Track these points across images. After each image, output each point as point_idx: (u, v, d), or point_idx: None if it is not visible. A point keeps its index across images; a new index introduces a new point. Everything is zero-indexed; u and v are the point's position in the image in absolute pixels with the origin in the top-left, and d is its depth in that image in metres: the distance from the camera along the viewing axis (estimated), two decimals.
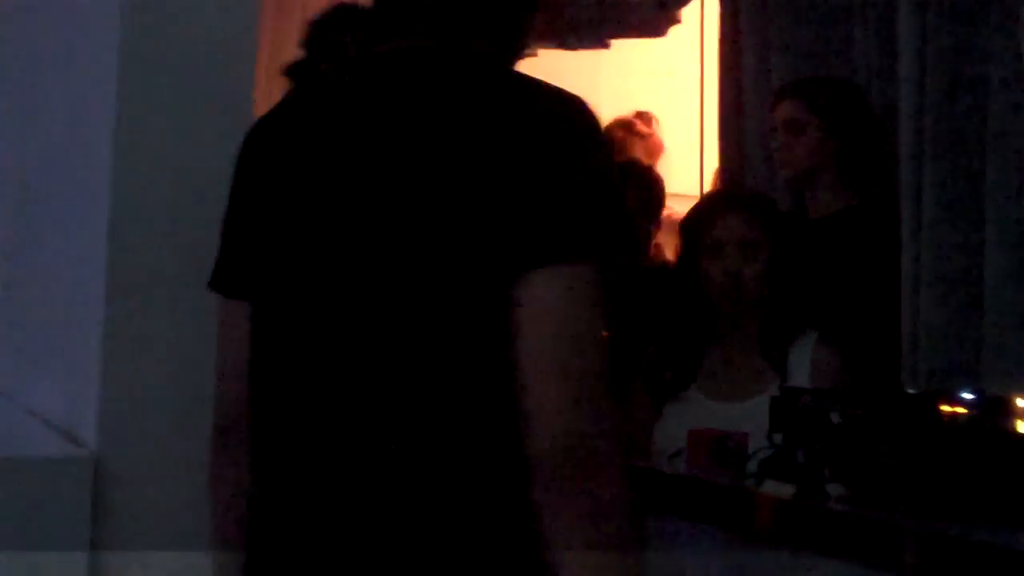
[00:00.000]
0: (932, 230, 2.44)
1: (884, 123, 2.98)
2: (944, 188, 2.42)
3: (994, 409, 1.78)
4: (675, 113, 4.90)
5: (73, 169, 2.31)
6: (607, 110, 4.52)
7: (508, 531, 1.41)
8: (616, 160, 3.44)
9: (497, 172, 1.42)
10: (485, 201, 1.41)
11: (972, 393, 1.81)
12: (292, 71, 2.50)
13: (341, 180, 1.51)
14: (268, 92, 2.43)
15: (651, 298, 3.02)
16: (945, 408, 1.76)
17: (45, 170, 2.59)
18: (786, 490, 1.85)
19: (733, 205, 2.76)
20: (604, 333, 1.43)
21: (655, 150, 4.65)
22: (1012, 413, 1.77)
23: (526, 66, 1.63)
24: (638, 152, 4.57)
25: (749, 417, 2.43)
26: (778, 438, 1.96)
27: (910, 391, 1.93)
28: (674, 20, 4.13)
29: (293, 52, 2.58)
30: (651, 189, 3.43)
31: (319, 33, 2.54)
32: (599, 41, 4.24)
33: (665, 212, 3.53)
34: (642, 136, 4.63)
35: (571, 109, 1.48)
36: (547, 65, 2.56)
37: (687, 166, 4.72)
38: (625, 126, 4.59)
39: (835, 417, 1.76)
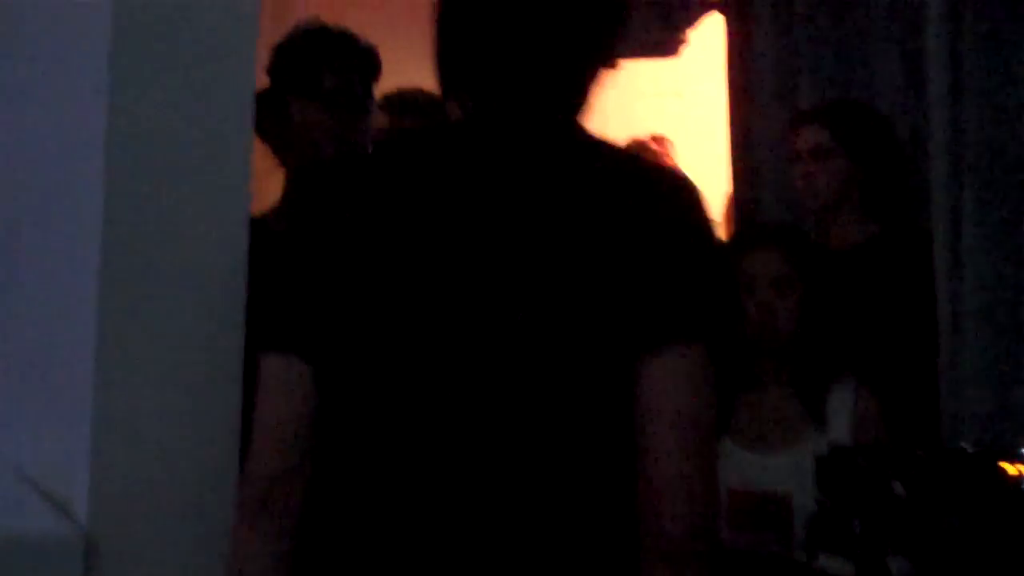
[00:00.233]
0: (973, 263, 2.29)
1: (909, 149, 2.85)
2: (987, 219, 2.28)
3: None
4: (685, 135, 4.79)
5: (63, 213, 2.17)
6: (615, 131, 4.41)
7: None
8: None
9: (619, 255, 1.42)
10: (609, 285, 1.42)
11: None
12: (261, 100, 2.35)
13: (459, 254, 1.48)
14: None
15: None
16: (1008, 468, 1.62)
17: (33, 208, 2.45)
18: (842, 566, 1.70)
19: (764, 239, 2.63)
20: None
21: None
22: None
23: None
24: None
25: (787, 470, 2.29)
26: (821, 496, 1.82)
27: (965, 447, 1.78)
28: (683, 40, 4.00)
29: None
30: None
31: (285, 60, 2.40)
32: None
33: None
34: (661, 151, 4.52)
35: (684, 190, 1.50)
36: None
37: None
38: (641, 148, 4.48)
39: (898, 487, 1.61)
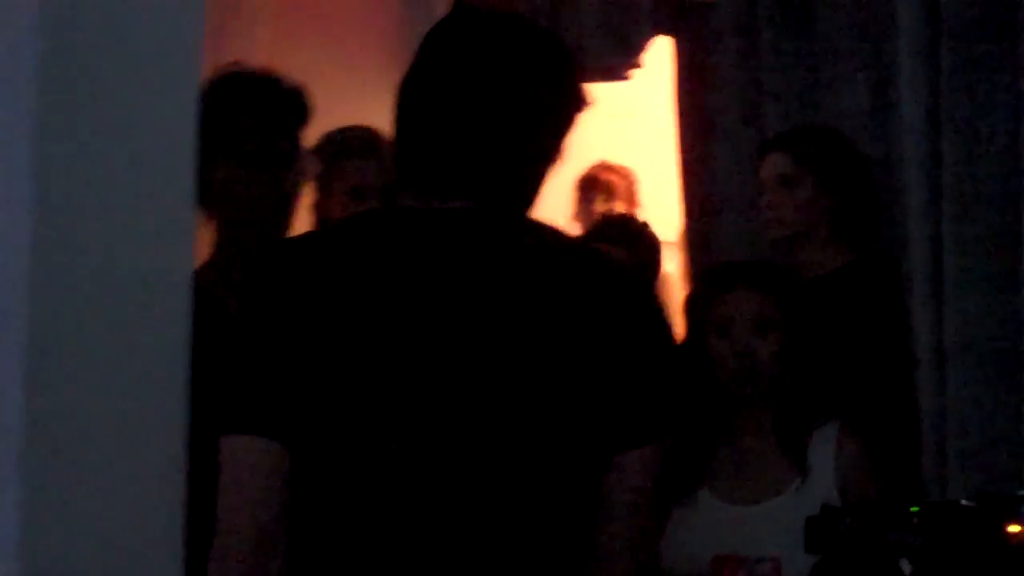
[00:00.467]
0: (956, 295, 2.19)
1: (880, 175, 2.74)
2: (968, 249, 2.18)
3: None
4: (638, 157, 4.70)
5: None
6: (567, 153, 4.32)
7: None
8: (608, 211, 3.26)
9: (582, 360, 1.55)
10: (571, 390, 1.54)
11: None
12: None
13: (425, 341, 1.53)
14: None
15: None
16: (1014, 529, 1.51)
17: None
18: None
19: (742, 278, 2.47)
20: None
21: (635, 198, 4.45)
22: None
23: None
24: (622, 196, 4.39)
25: (770, 522, 2.18)
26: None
27: (964, 503, 1.67)
28: (636, 65, 3.90)
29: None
30: (652, 248, 3.19)
31: (202, 117, 2.22)
32: None
33: None
34: (625, 180, 4.44)
35: (646, 293, 1.70)
36: None
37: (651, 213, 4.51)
38: (608, 168, 4.41)
39: (905, 566, 1.50)
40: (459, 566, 1.51)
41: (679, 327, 2.61)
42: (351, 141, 2.93)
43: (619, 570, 1.58)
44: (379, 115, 3.06)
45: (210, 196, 2.22)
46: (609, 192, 4.46)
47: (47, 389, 1.70)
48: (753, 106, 3.09)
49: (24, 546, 1.66)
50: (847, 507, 2.05)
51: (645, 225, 3.38)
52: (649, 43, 3.96)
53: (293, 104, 2.29)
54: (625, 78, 4.03)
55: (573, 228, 4.59)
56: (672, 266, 3.80)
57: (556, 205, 4.29)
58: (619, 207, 4.43)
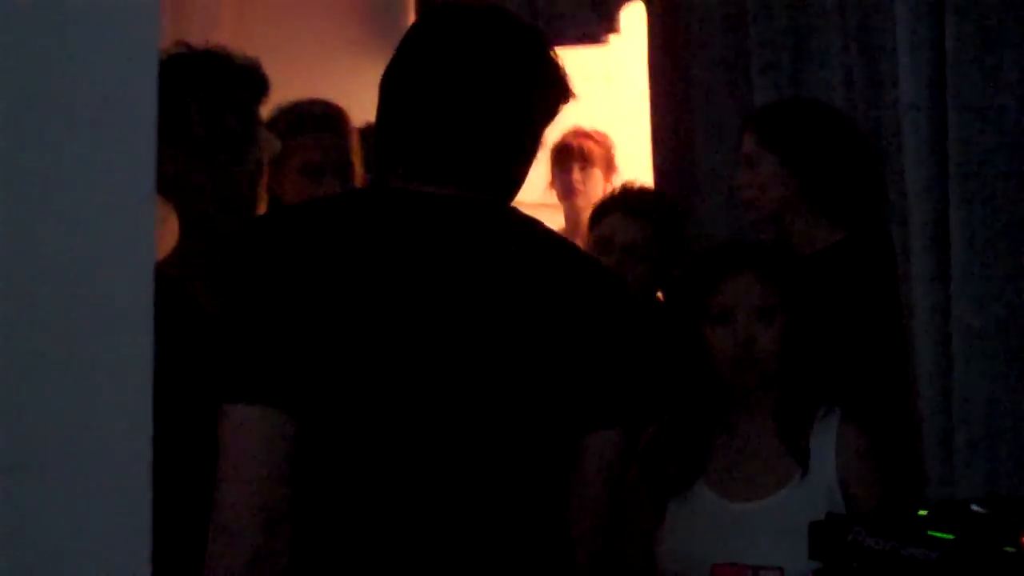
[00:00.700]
0: (965, 280, 2.08)
1: (871, 147, 2.61)
2: (979, 230, 2.07)
3: None
4: (615, 121, 4.56)
5: None
6: None
7: None
8: (642, 187, 3.09)
9: (568, 345, 1.65)
10: (552, 373, 1.64)
11: None
12: None
13: (420, 320, 1.59)
14: None
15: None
16: None
17: None
18: None
19: (741, 262, 2.32)
20: None
21: (612, 164, 4.31)
22: None
23: None
24: (599, 163, 4.24)
25: (770, 521, 2.08)
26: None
27: (975, 508, 1.57)
28: (614, 29, 3.77)
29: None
30: (673, 220, 2.96)
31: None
32: None
33: None
34: (602, 146, 4.29)
35: (618, 283, 1.80)
36: None
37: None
38: (583, 133, 4.26)
39: None
40: (449, 539, 1.59)
41: (670, 311, 2.49)
42: (304, 116, 2.76)
43: (585, 543, 1.71)
44: (349, 89, 2.94)
45: (163, 185, 2.09)
46: (585, 159, 4.31)
47: (4, 382, 1.59)
48: (737, 76, 2.96)
49: None
50: (854, 516, 1.94)
51: (664, 196, 3.13)
52: (623, 7, 3.85)
53: (245, 80, 2.14)
54: (602, 42, 3.93)
55: (549, 196, 4.48)
56: None
57: (532, 173, 4.18)
58: (595, 175, 4.30)
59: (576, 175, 4.30)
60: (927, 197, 2.16)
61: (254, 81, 2.15)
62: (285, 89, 2.31)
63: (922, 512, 1.74)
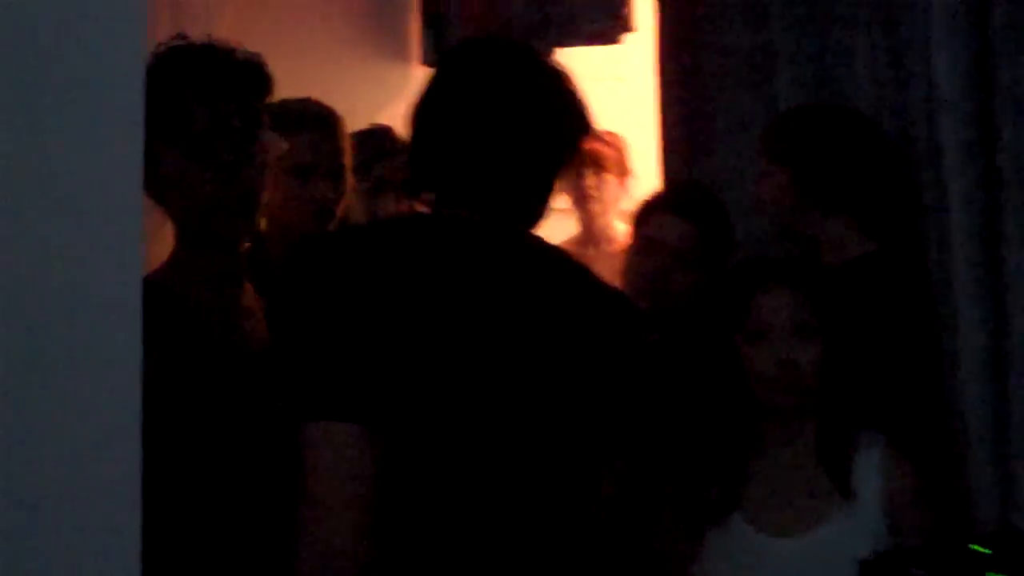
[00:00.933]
0: (1019, 291, 1.93)
1: (899, 150, 2.45)
2: None
3: None
4: (628, 122, 4.44)
5: None
6: None
7: None
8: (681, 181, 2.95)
9: (584, 377, 1.74)
10: (575, 398, 1.74)
11: None
12: None
13: (482, 333, 1.70)
14: None
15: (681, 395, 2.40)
16: None
17: None
18: None
19: (778, 278, 2.18)
20: None
21: (625, 167, 4.16)
22: None
23: None
24: (611, 166, 4.10)
25: (814, 556, 1.94)
26: None
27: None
28: (628, 29, 3.65)
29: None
30: (721, 219, 2.71)
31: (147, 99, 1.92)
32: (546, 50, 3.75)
33: None
34: (614, 149, 4.14)
35: (627, 308, 1.86)
36: None
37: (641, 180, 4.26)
38: (595, 137, 4.10)
39: None
40: (506, 536, 1.68)
41: (698, 327, 2.33)
42: (296, 115, 2.60)
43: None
44: (349, 89, 2.81)
45: (159, 188, 1.96)
46: (598, 164, 4.17)
47: None
48: (762, 77, 2.79)
49: None
50: (907, 553, 1.80)
51: (712, 195, 2.94)
52: (633, 5, 3.74)
53: (248, 76, 2.00)
54: (616, 41, 3.82)
55: (563, 201, 4.36)
56: None
57: None
58: (609, 180, 4.16)
59: (589, 181, 4.16)
60: (965, 208, 2.00)
61: (257, 76, 2.01)
62: (285, 89, 2.18)
63: (975, 547, 1.61)
